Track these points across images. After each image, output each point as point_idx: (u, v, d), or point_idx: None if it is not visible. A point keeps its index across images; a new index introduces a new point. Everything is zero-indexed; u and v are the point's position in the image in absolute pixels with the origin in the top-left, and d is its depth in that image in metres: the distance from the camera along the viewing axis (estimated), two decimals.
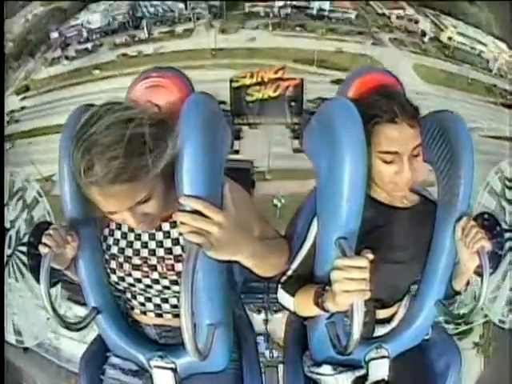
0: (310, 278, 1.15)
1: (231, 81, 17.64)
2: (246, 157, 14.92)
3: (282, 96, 18.11)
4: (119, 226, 1.13)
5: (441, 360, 1.33)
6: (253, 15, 25.86)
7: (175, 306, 1.15)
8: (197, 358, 0.91)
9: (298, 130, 17.09)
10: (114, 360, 1.24)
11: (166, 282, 1.10)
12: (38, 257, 1.05)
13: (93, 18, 24.95)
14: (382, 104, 1.06)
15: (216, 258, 0.91)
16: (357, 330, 0.91)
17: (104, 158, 0.85)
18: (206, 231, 0.87)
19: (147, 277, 1.11)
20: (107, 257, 1.13)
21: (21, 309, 1.57)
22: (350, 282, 0.90)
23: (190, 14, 25.76)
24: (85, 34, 24.98)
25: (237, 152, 15.35)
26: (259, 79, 18.04)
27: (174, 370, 1.17)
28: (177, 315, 1.15)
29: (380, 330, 1.23)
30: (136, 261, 1.10)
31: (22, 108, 21.97)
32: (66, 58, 24.33)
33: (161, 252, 1.09)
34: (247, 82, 17.97)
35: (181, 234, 1.06)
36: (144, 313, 1.19)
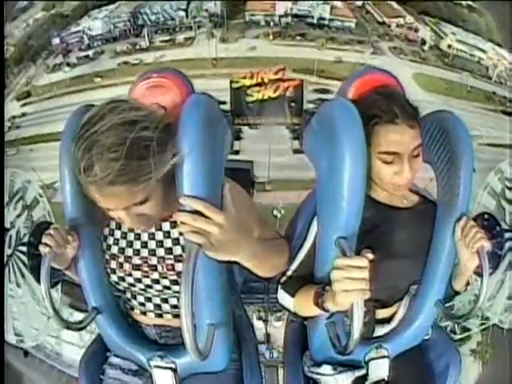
0: (309, 278, 1.15)
1: (231, 81, 17.69)
2: (246, 157, 14.92)
3: (282, 97, 18.21)
4: (119, 226, 1.13)
5: (441, 360, 1.32)
6: (253, 24, 26.03)
7: (175, 306, 1.15)
8: (197, 358, 0.91)
9: (297, 131, 17.08)
10: (113, 360, 1.24)
11: (166, 282, 1.10)
12: (38, 257, 1.05)
13: (94, 24, 25.17)
14: (381, 104, 1.07)
15: (216, 259, 0.91)
16: (357, 330, 0.91)
17: (104, 159, 0.84)
18: (207, 231, 0.86)
19: (147, 277, 1.10)
20: (107, 257, 1.13)
21: (21, 309, 1.57)
22: (350, 282, 0.90)
23: (191, 22, 25.93)
24: (86, 41, 25.18)
25: (237, 152, 15.35)
26: (259, 80, 18.15)
27: (174, 370, 1.16)
28: (177, 315, 1.15)
29: (380, 330, 1.22)
30: (136, 261, 1.10)
31: (23, 114, 22.04)
32: (68, 64, 24.51)
33: (161, 252, 1.09)
34: (247, 82, 18.08)
35: (181, 233, 1.06)
36: (144, 313, 1.19)
